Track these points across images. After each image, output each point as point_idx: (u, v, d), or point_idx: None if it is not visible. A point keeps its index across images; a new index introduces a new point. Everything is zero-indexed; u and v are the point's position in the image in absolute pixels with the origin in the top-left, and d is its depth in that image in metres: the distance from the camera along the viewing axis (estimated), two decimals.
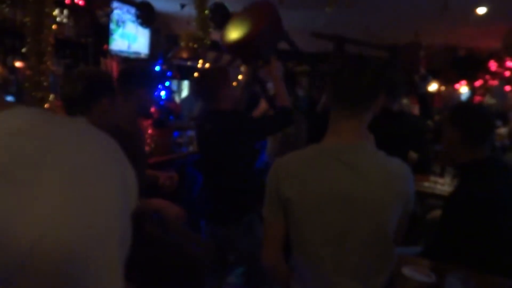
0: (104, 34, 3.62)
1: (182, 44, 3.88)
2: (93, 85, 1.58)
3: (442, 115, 1.86)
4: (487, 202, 1.61)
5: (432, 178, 3.29)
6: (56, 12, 2.72)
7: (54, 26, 2.41)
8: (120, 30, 3.67)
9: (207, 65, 8.76)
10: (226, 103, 2.08)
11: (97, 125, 1.52)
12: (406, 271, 1.42)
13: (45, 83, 2.38)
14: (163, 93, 3.26)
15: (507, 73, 4.87)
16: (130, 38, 3.92)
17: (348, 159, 1.15)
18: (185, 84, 10.94)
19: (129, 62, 3.55)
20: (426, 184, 3.09)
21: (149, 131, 3.10)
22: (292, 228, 1.23)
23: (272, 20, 2.09)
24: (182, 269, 1.89)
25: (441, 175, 3.29)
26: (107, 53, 3.29)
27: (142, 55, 4.77)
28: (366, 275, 1.17)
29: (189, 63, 6.70)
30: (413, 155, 2.74)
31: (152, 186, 2.19)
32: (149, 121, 3.12)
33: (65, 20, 3.45)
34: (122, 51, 3.71)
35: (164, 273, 1.89)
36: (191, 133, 3.81)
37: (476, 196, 1.59)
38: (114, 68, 3.24)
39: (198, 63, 7.11)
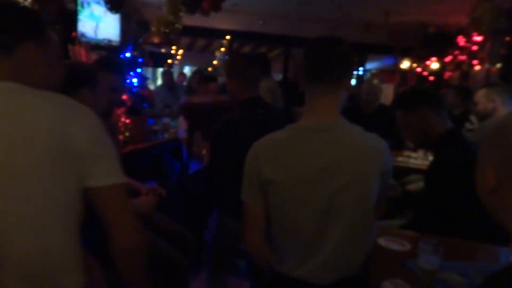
0: (72, 21, 3.50)
1: (153, 29, 3.80)
2: (74, 77, 1.59)
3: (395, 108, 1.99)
4: (467, 167, 1.70)
5: (406, 153, 3.38)
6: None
7: None
8: (86, 11, 3.54)
9: (180, 51, 8.61)
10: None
11: None
12: (382, 241, 1.47)
13: None
14: (135, 80, 3.20)
15: (474, 48, 4.98)
16: (97, 19, 3.79)
17: (328, 136, 1.18)
18: (160, 72, 10.73)
19: (98, 49, 3.45)
20: (400, 158, 3.17)
21: (122, 119, 3.04)
22: (274, 209, 1.24)
23: None
24: (159, 269, 1.87)
25: (414, 149, 3.39)
26: (75, 40, 3.19)
27: (114, 43, 4.65)
28: (350, 248, 1.20)
29: (163, 50, 6.59)
30: None
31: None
32: (122, 109, 3.06)
33: None
34: (91, 38, 3.59)
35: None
36: (166, 120, 3.77)
37: (456, 163, 1.70)
38: (83, 55, 3.15)
39: (171, 49, 7.01)
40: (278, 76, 8.01)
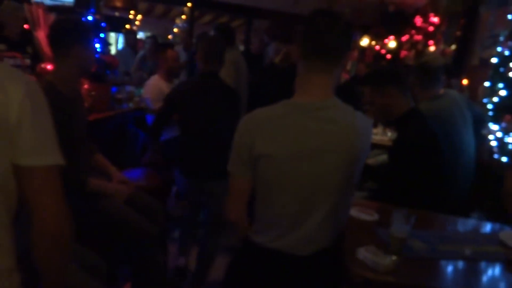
0: None
1: None
2: (66, 32, 1.71)
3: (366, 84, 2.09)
4: (428, 144, 1.86)
5: None
6: None
7: None
8: None
9: (139, 16, 8.21)
10: None
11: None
12: (353, 212, 1.57)
13: None
14: (98, 45, 3.05)
15: (431, 29, 5.18)
16: None
17: (322, 115, 1.19)
18: (112, 36, 10.23)
19: (56, 11, 3.23)
20: None
21: (85, 86, 2.91)
22: (262, 183, 1.25)
23: None
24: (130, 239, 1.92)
25: (374, 125, 3.55)
26: (31, 0, 2.97)
27: (67, 3, 4.36)
28: (332, 223, 1.26)
29: (117, 13, 6.26)
30: None
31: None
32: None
33: None
34: None
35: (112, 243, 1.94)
36: (130, 88, 3.65)
37: (418, 140, 1.83)
38: (40, 17, 2.94)
39: (129, 14, 6.69)
40: (240, 48, 7.93)
